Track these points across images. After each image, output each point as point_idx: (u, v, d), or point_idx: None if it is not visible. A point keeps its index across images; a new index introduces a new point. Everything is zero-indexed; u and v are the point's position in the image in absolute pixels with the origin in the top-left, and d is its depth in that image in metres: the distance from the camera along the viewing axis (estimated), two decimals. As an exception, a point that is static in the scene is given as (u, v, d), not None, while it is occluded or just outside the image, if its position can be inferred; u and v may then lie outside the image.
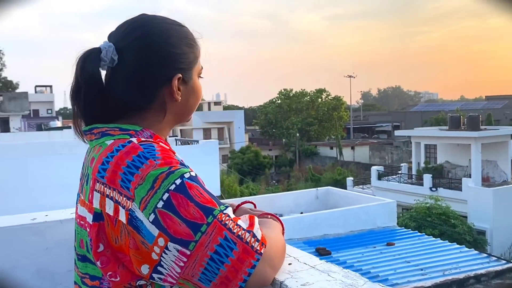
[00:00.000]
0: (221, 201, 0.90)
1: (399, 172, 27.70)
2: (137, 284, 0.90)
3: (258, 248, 0.85)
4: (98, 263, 0.90)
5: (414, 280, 7.31)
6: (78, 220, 0.97)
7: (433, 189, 23.68)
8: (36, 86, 51.22)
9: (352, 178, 29.25)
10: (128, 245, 0.85)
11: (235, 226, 0.85)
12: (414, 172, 27.49)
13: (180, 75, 0.99)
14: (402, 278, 7.36)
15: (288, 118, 51.56)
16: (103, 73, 0.99)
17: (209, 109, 51.53)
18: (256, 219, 0.90)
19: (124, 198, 0.85)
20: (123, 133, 0.94)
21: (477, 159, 24.07)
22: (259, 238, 0.86)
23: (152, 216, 0.82)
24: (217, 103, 53.63)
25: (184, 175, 0.86)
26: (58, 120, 41.82)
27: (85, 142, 1.02)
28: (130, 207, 0.84)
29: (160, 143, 0.94)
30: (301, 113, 52.29)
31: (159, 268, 0.84)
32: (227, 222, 0.84)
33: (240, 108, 63.49)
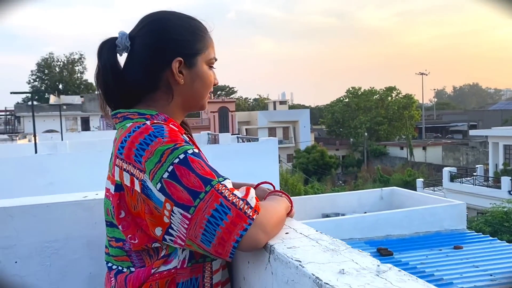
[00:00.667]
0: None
1: (474, 174, 26.15)
2: (152, 246, 1.02)
3: (251, 214, 0.93)
4: (120, 227, 1.03)
5: (482, 285, 6.93)
6: (106, 192, 1.11)
7: (512, 192, 22.12)
8: (114, 87, 54.29)
9: (422, 180, 28.06)
10: (144, 211, 0.98)
11: (231, 195, 0.94)
12: (491, 174, 25.84)
13: (180, 59, 1.08)
14: (469, 283, 7.00)
15: (356, 117, 50.52)
16: (122, 60, 1.13)
17: (274, 108, 51.78)
18: (252, 191, 0.98)
19: (137, 171, 0.97)
20: (140, 117, 1.06)
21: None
22: (252, 205, 0.94)
23: (159, 185, 0.94)
24: (282, 102, 53.72)
25: (188, 151, 0.96)
26: (133, 119, 44.03)
27: (110, 125, 1.17)
28: (142, 178, 0.96)
29: (170, 125, 1.04)
30: (369, 112, 51.00)
31: (170, 230, 0.95)
32: (223, 191, 0.93)
33: (307, 107, 63.09)
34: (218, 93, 63.60)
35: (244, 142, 11.43)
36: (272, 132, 44.26)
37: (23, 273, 1.57)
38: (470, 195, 23.15)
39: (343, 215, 11.10)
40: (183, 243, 0.96)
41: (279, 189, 1.21)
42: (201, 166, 0.95)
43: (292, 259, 0.79)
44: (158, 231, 0.97)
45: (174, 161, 0.94)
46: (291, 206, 1.13)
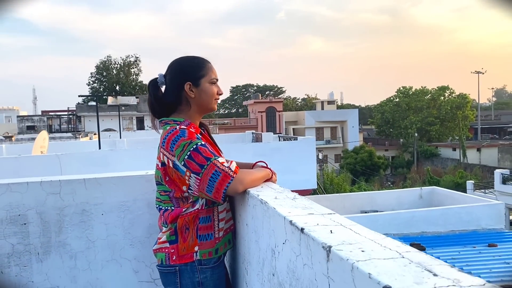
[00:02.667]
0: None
1: (529, 176, 25.29)
2: (184, 195, 1.75)
3: (232, 174, 1.64)
4: (167, 185, 1.77)
5: (509, 279, 7.18)
6: (156, 166, 1.85)
7: None
8: (167, 88, 56.25)
9: (472, 182, 27.45)
10: (176, 177, 1.71)
11: (221, 165, 1.65)
12: (547, 177, 24.87)
13: (189, 83, 1.82)
14: (496, 277, 7.27)
15: (407, 117, 49.71)
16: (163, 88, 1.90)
17: (322, 108, 51.96)
18: (234, 162, 1.70)
19: (170, 155, 1.71)
20: (174, 123, 1.80)
21: None
22: (233, 169, 1.65)
23: (182, 162, 1.67)
24: (330, 102, 53.73)
25: (198, 143, 1.68)
26: (184, 119, 45.79)
27: (157, 131, 1.92)
28: (173, 159, 1.70)
29: (190, 128, 1.77)
30: (421, 112, 50.01)
31: (190, 186, 1.68)
32: (216, 163, 1.64)
33: (356, 107, 62.62)
34: (266, 93, 64.50)
35: (284, 141, 12.13)
36: (319, 132, 44.54)
37: (107, 222, 2.36)
38: (522, 198, 22.48)
39: (381, 212, 11.49)
40: (197, 193, 1.68)
41: (268, 166, 1.91)
42: (205, 150, 1.67)
43: (257, 196, 1.49)
44: (184, 187, 1.70)
45: (190, 149, 1.67)
46: (272, 174, 1.83)
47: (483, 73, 59.87)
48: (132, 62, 54.28)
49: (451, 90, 51.94)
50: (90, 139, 20.58)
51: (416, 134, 45.32)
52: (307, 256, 0.97)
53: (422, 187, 13.32)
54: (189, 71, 1.85)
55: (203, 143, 1.71)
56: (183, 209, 1.76)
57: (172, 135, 1.73)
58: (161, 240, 1.81)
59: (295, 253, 1.06)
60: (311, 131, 43.22)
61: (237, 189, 1.65)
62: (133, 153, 9.33)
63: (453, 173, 35.64)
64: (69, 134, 22.87)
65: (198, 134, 1.79)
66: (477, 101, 62.03)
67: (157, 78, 1.90)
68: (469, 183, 26.74)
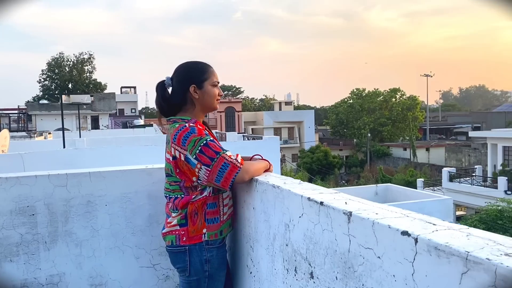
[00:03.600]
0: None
1: (473, 174, 26.96)
2: (193, 185, 1.99)
3: (239, 165, 1.89)
4: (177, 176, 2.00)
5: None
6: (166, 160, 2.07)
7: (508, 192, 22.91)
8: (122, 87, 55.32)
9: (422, 180, 28.89)
10: (186, 169, 1.94)
11: (229, 158, 1.90)
12: (489, 174, 26.63)
13: (194, 85, 2.06)
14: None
15: (360, 118, 51.37)
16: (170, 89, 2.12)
17: (280, 109, 52.78)
18: (240, 155, 1.96)
19: (183, 149, 1.93)
20: (183, 121, 2.03)
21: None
22: (239, 161, 1.91)
23: (194, 156, 1.90)
24: (288, 103, 54.66)
25: (207, 139, 1.92)
26: (141, 118, 45.26)
27: (163, 129, 2.15)
28: (185, 153, 1.93)
29: (198, 126, 2.00)
30: (373, 113, 51.82)
31: (199, 177, 1.92)
32: (225, 156, 1.89)
33: (312, 108, 63.98)
34: (225, 93, 64.56)
35: (249, 140, 12.43)
36: (277, 132, 45.19)
37: (110, 212, 2.54)
38: (468, 194, 23.94)
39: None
40: (205, 183, 1.93)
41: (264, 158, 2.18)
42: (214, 145, 1.92)
43: (267, 182, 1.76)
44: (194, 178, 1.94)
45: (201, 144, 1.91)
46: (270, 166, 2.10)
47: (431, 76, 62.86)
48: (85, 60, 52.77)
49: (402, 92, 54.16)
50: (45, 138, 20.00)
51: (369, 135, 46.92)
52: (327, 222, 1.25)
53: (378, 185, 14.00)
54: (194, 75, 2.08)
55: (211, 139, 1.96)
56: (193, 196, 1.99)
57: (183, 132, 1.96)
58: (171, 224, 2.03)
59: (313, 222, 1.33)
60: (269, 131, 43.83)
61: (243, 178, 1.91)
62: (99, 152, 9.32)
63: (404, 171, 37.15)
64: (23, 133, 22.09)
65: (206, 131, 2.03)
66: (426, 103, 65.00)
67: (164, 80, 2.12)
68: (420, 181, 28.13)
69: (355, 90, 55.37)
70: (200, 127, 2.03)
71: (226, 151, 1.93)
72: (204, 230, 2.00)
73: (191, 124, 2.00)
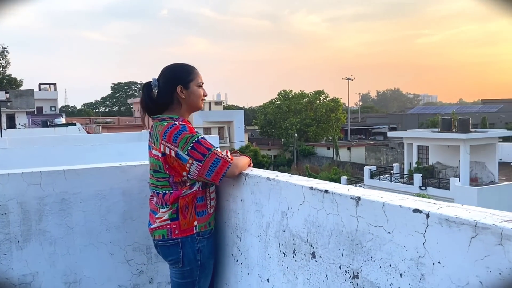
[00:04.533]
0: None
1: (392, 172, 28.93)
2: (182, 180, 2.09)
3: (229, 160, 2.04)
4: (167, 171, 2.09)
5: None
6: (153, 157, 2.15)
7: (423, 188, 24.90)
8: (40, 84, 52.13)
9: (346, 177, 30.43)
10: (177, 165, 2.04)
11: (220, 153, 2.03)
12: (406, 172, 28.69)
13: (180, 86, 2.16)
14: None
15: (287, 118, 52.79)
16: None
17: (210, 108, 52.78)
18: (229, 152, 2.11)
19: (173, 146, 2.03)
20: (171, 119, 2.13)
21: (466, 160, 25.28)
22: (229, 157, 2.05)
23: (186, 152, 2.01)
24: (217, 103, 54.87)
25: (199, 136, 2.04)
26: (62, 117, 42.93)
27: (147, 128, 2.23)
28: (176, 150, 2.03)
29: (188, 124, 2.12)
30: (299, 114, 53.50)
31: (190, 172, 2.03)
32: (216, 152, 2.02)
33: (241, 108, 64.65)
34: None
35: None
36: (207, 131, 45.06)
37: (85, 209, 2.56)
38: (388, 190, 25.17)
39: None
40: (196, 178, 2.05)
41: (245, 155, 2.34)
42: (205, 142, 2.04)
43: (259, 176, 1.92)
44: (184, 173, 2.05)
45: (193, 141, 2.03)
46: (251, 161, 2.26)
47: (352, 79, 66.09)
48: (-2, 53, 49.03)
49: (326, 95, 56.47)
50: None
51: (295, 135, 48.40)
52: (332, 207, 1.44)
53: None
54: (180, 76, 2.19)
55: (203, 136, 2.08)
56: (183, 191, 2.10)
57: (173, 129, 2.06)
58: (163, 219, 2.12)
59: (316, 208, 1.52)
60: (199, 131, 43.47)
61: (234, 172, 2.05)
62: (29, 152, 8.84)
63: (328, 170, 38.77)
64: None
65: (195, 129, 2.14)
66: (347, 105, 68.29)
67: (151, 81, 2.21)
68: (343, 179, 29.63)
69: (282, 92, 56.80)
70: (189, 124, 2.13)
71: (216, 147, 2.07)
72: (195, 223, 2.11)
73: (180, 123, 2.11)
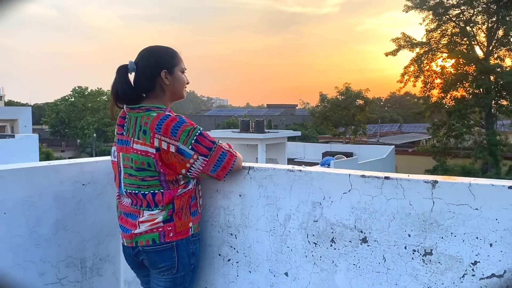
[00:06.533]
0: None
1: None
2: (177, 177, 1.87)
3: (235, 154, 1.92)
4: (160, 169, 1.82)
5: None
6: (136, 152, 1.84)
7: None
8: None
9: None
10: (175, 161, 1.80)
11: (225, 147, 1.89)
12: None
13: (165, 70, 1.91)
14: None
15: (83, 117, 49.24)
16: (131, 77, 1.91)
17: (-11, 104, 45.25)
18: (231, 145, 1.98)
19: (172, 140, 1.78)
20: (159, 109, 1.85)
21: (262, 157, 28.00)
22: (234, 151, 1.93)
23: (190, 146, 1.78)
24: (-2, 98, 47.39)
25: (201, 129, 1.85)
26: None
27: (114, 119, 1.92)
28: (177, 144, 1.79)
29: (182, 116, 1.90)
30: (97, 113, 50.51)
31: (190, 169, 1.82)
32: (222, 146, 1.87)
33: (23, 105, 57.34)
34: None
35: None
36: (-12, 131, 38.53)
37: (9, 221, 2.00)
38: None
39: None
40: (196, 174, 1.86)
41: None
42: (207, 134, 1.86)
43: (274, 168, 1.87)
44: (183, 171, 1.83)
45: (197, 134, 1.82)
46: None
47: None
48: None
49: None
50: None
51: (94, 135, 45.59)
52: (395, 192, 1.53)
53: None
54: (164, 60, 1.93)
55: (202, 128, 1.89)
56: (178, 190, 1.87)
57: (170, 121, 1.81)
58: (154, 222, 1.85)
59: (370, 195, 1.59)
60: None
61: (239, 166, 1.93)
62: None
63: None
64: None
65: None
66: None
67: (127, 64, 1.89)
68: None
69: (77, 88, 52.73)
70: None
71: (219, 140, 1.91)
72: (190, 224, 1.92)
73: (174, 113, 1.87)
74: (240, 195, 1.98)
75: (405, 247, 1.54)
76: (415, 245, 1.52)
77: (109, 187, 2.41)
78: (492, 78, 30.71)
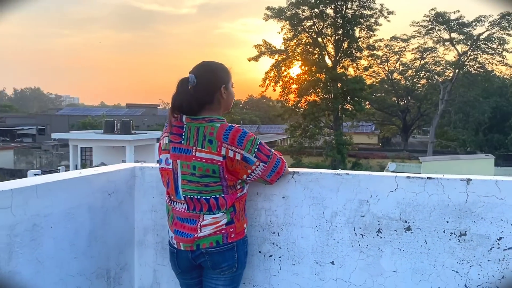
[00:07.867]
0: None
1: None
2: (235, 183, 2.03)
3: (284, 160, 2.16)
4: (226, 175, 1.97)
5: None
6: (200, 160, 1.96)
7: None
8: None
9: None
10: (239, 167, 1.98)
11: (278, 155, 2.11)
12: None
13: (224, 85, 2.11)
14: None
15: None
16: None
17: None
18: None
19: (238, 149, 1.95)
20: (221, 121, 2.02)
21: (131, 159, 27.09)
22: (283, 159, 2.16)
23: (254, 154, 1.98)
24: None
25: (260, 140, 2.04)
26: None
27: (171, 128, 2.03)
28: (242, 152, 1.97)
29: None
30: None
31: (251, 175, 2.01)
32: (276, 153, 2.09)
33: None
34: None
35: None
36: None
37: (55, 235, 1.92)
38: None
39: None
40: (255, 180, 2.06)
41: None
42: (265, 144, 2.07)
43: (320, 172, 2.14)
44: (244, 176, 2.02)
45: (258, 143, 2.01)
46: None
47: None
48: None
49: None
50: None
51: None
52: (436, 189, 1.94)
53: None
54: (224, 76, 2.10)
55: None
56: (238, 194, 2.04)
57: (235, 132, 1.98)
58: (218, 224, 1.98)
59: (414, 192, 1.98)
60: None
61: (288, 171, 2.16)
62: None
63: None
64: None
65: None
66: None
67: (187, 78, 1.99)
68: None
69: None
70: None
71: (272, 149, 2.11)
72: (245, 225, 2.09)
73: (235, 125, 2.03)
74: (283, 197, 2.22)
75: (444, 231, 1.98)
76: (452, 229, 1.96)
77: (127, 196, 2.40)
78: (339, 85, 34.48)
